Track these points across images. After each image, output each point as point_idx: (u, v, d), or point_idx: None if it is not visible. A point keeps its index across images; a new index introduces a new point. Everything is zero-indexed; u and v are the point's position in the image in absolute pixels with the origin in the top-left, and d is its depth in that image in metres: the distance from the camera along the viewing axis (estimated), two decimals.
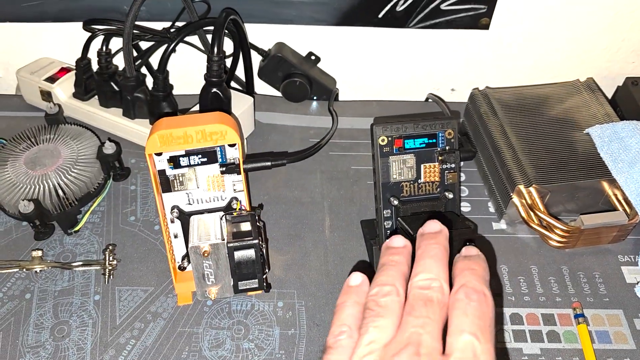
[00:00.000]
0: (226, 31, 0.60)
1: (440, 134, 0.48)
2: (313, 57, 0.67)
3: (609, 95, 0.67)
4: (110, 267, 0.50)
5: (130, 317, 0.48)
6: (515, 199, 0.53)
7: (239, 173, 0.46)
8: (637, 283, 0.50)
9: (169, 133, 0.43)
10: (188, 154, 0.45)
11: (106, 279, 0.50)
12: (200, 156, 0.45)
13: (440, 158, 0.48)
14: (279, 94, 0.67)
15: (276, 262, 0.52)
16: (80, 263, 0.51)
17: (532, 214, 0.52)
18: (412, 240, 0.45)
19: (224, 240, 0.44)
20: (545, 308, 0.49)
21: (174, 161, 0.45)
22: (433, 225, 0.33)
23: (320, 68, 0.68)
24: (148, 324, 0.47)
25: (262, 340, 0.46)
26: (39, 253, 0.51)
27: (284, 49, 0.65)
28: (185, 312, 0.48)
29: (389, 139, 0.47)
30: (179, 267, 0.49)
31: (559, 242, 0.52)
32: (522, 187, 0.52)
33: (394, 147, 0.47)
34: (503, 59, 0.68)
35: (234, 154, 0.46)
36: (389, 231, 0.49)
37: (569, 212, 0.55)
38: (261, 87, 0.69)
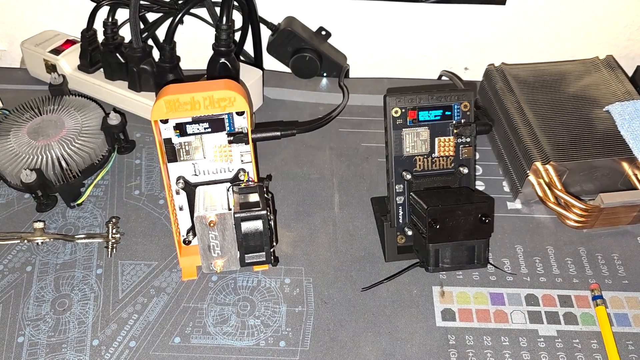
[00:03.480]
0: (235, 3, 0.58)
1: (455, 106, 0.46)
2: (324, 32, 0.66)
3: (629, 74, 0.65)
4: (113, 241, 0.49)
5: (133, 291, 0.46)
6: (531, 177, 0.51)
7: (247, 143, 0.45)
8: None
9: (175, 99, 0.42)
10: (195, 121, 0.44)
11: (109, 253, 0.49)
12: (207, 124, 0.44)
13: (455, 131, 0.46)
14: (288, 70, 0.66)
15: (284, 239, 0.50)
16: (83, 236, 0.49)
17: (549, 192, 0.50)
18: (426, 213, 0.43)
19: (230, 210, 0.42)
20: (562, 289, 0.47)
21: (180, 129, 0.44)
22: None
23: (331, 44, 0.67)
24: (151, 299, 0.46)
25: (269, 317, 0.45)
26: (41, 225, 0.49)
27: (293, 23, 0.64)
28: (189, 287, 0.47)
29: (403, 110, 0.46)
30: (184, 241, 0.47)
31: (576, 221, 0.50)
32: (539, 164, 0.50)
33: (408, 119, 0.46)
34: (520, 35, 0.67)
35: (242, 123, 0.45)
36: (400, 207, 0.47)
37: (586, 193, 0.53)
38: (270, 63, 0.68)
